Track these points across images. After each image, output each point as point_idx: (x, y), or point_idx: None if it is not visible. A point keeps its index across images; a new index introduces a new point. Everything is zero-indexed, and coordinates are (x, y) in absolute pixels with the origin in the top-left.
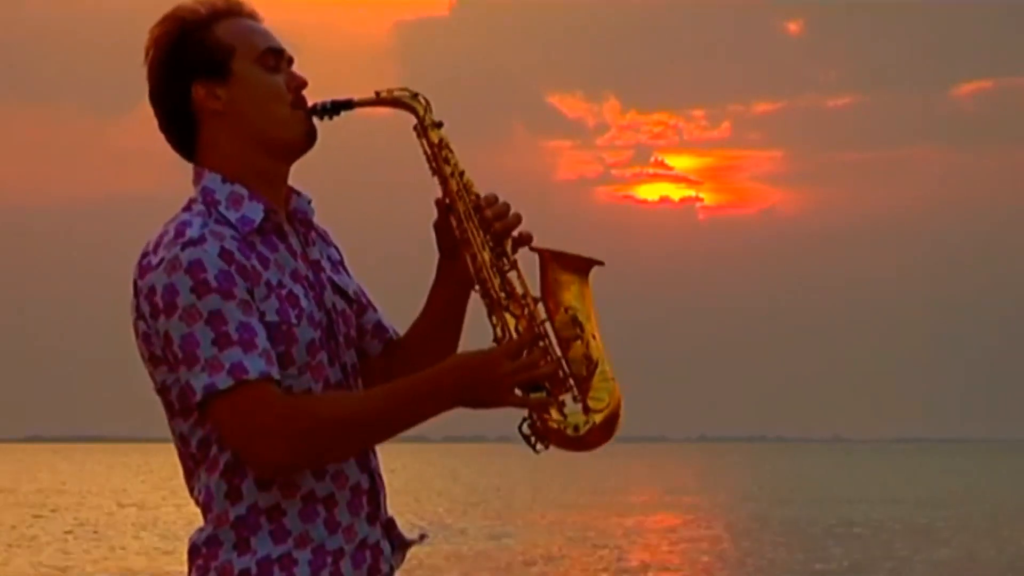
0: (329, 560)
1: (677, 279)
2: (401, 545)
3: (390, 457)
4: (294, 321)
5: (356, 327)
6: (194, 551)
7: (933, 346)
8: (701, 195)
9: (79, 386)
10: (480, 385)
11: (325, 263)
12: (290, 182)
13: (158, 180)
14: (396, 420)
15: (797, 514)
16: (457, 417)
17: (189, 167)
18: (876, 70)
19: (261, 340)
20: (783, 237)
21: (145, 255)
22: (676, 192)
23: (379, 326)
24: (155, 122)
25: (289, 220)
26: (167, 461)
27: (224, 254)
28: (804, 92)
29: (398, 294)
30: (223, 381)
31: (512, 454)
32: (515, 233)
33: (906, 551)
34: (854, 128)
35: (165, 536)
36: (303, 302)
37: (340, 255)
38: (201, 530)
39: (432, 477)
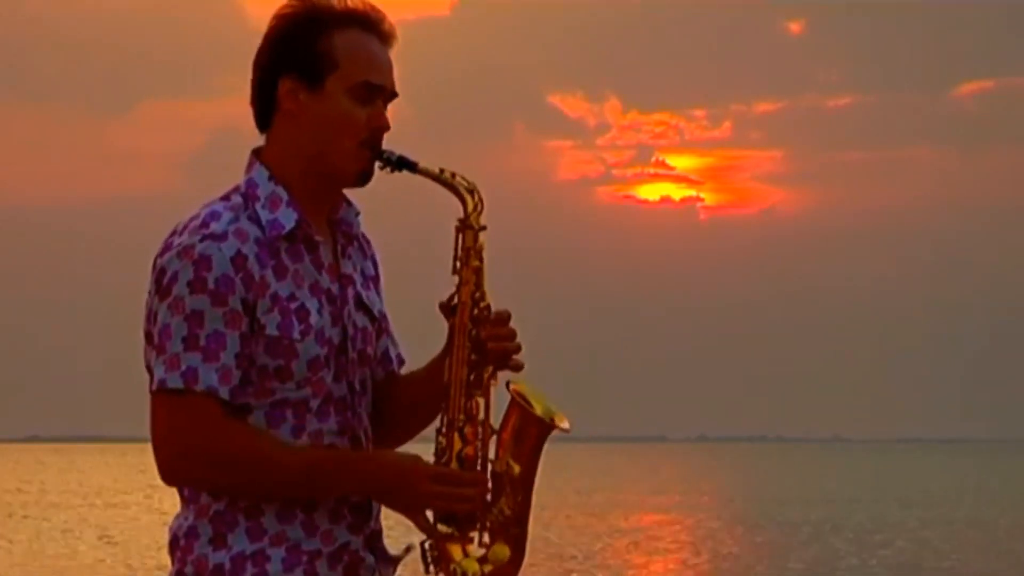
0: (304, 559)
1: (678, 279)
2: (386, 559)
3: None
4: (296, 337)
5: (375, 347)
6: (174, 542)
7: (933, 346)
8: (702, 195)
9: (79, 386)
10: (399, 491)
11: (357, 277)
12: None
13: (158, 180)
14: (310, 486)
15: (795, 514)
16: None
17: (189, 169)
18: (877, 70)
19: (227, 355)
20: (784, 237)
21: (172, 234)
22: (677, 192)
23: (385, 354)
24: (154, 122)
25: (331, 228)
26: None
27: (237, 258)
28: (805, 92)
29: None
30: (173, 380)
31: None
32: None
33: (903, 551)
34: (855, 128)
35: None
36: (313, 317)
37: (376, 271)
38: (182, 518)
39: None
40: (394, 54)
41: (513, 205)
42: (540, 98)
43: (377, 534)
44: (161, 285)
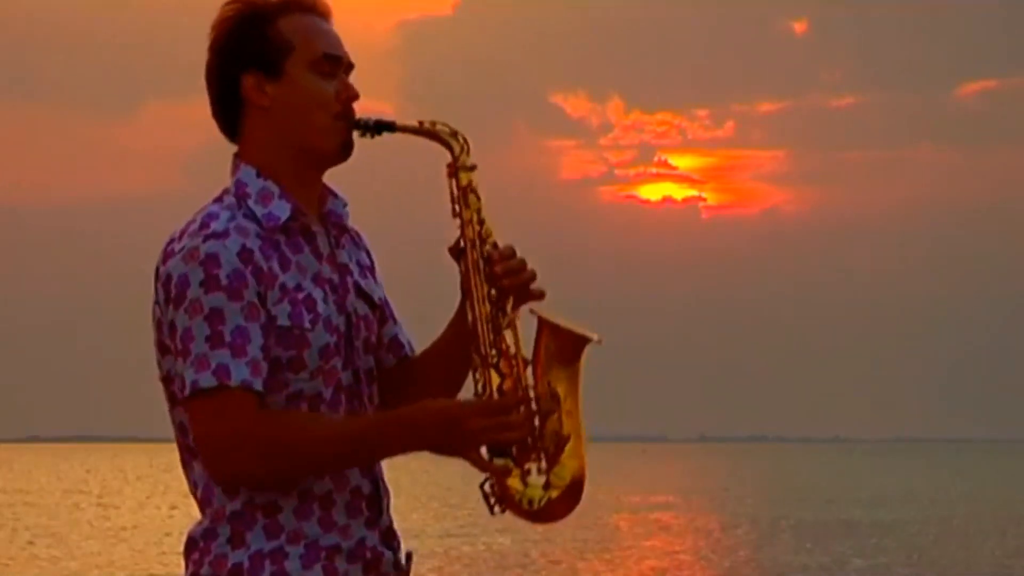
0: (323, 555)
1: (680, 279)
2: (398, 565)
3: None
4: (307, 326)
5: (377, 334)
6: (191, 544)
7: (934, 346)
8: (704, 195)
9: (79, 386)
10: (448, 435)
11: (353, 267)
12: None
13: (159, 181)
14: (360, 453)
15: (795, 514)
16: None
17: (190, 169)
18: (880, 70)
19: (253, 348)
20: (786, 237)
21: (170, 242)
22: (679, 192)
23: (395, 340)
24: (157, 123)
25: (322, 221)
26: (166, 461)
27: (243, 253)
28: (808, 92)
29: (423, 307)
30: (206, 380)
31: None
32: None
33: (901, 551)
34: (858, 128)
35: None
36: (320, 306)
37: (371, 261)
38: (199, 523)
39: (429, 479)
40: (395, 53)
41: (515, 205)
42: (542, 98)
43: (391, 530)
44: (172, 292)
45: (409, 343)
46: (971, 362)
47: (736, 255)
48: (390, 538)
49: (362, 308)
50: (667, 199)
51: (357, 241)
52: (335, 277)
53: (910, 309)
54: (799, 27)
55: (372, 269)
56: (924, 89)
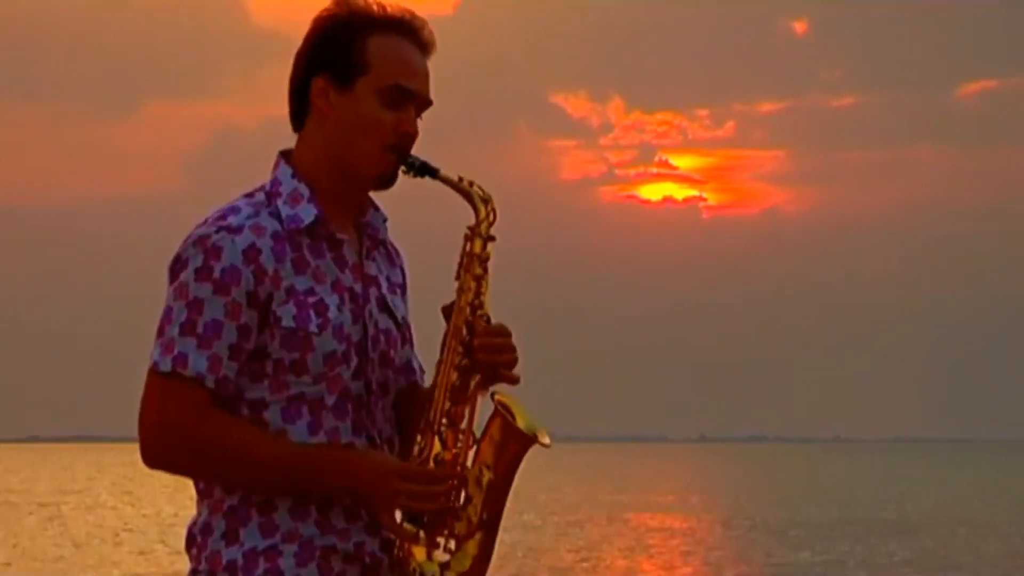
0: (317, 554)
1: (680, 279)
2: (401, 567)
3: None
4: (313, 330)
5: (398, 351)
6: (190, 540)
7: (934, 346)
8: (705, 195)
9: (79, 386)
10: (369, 489)
11: (382, 280)
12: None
13: (159, 181)
14: (284, 480)
15: (794, 514)
16: None
17: (192, 171)
18: (881, 70)
19: (220, 346)
20: (786, 237)
21: (196, 227)
22: (680, 192)
23: (408, 365)
24: (157, 123)
25: (358, 231)
26: None
27: (250, 251)
28: (809, 92)
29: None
30: (165, 363)
31: None
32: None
33: (902, 550)
34: (858, 128)
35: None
36: (332, 312)
37: (404, 280)
38: (197, 515)
39: None
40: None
41: (515, 205)
42: (543, 98)
43: (392, 541)
44: (172, 271)
45: (421, 369)
46: (971, 362)
47: (736, 255)
48: (391, 545)
49: (384, 322)
50: (667, 199)
51: (393, 258)
52: (357, 287)
53: (910, 309)
54: (799, 27)
55: (403, 288)
56: (924, 89)
